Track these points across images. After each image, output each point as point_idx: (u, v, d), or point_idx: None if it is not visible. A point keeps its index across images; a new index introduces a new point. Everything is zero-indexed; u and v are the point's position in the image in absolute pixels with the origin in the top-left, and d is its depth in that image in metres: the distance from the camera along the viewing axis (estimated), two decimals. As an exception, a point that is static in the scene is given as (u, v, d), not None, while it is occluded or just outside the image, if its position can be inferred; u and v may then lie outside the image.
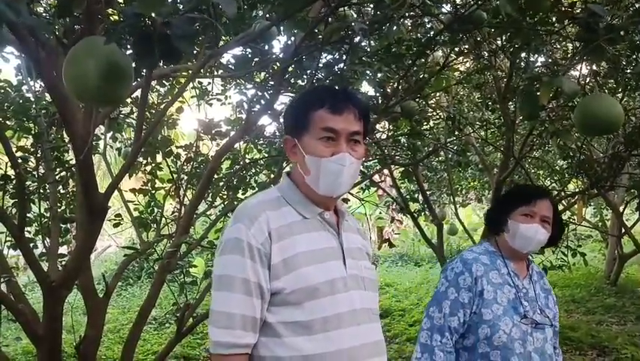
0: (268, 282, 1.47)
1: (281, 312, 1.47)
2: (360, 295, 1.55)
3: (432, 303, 2.14)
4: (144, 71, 2.28)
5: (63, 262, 3.25)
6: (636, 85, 4.21)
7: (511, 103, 4.68)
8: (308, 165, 1.54)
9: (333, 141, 1.53)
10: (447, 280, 2.13)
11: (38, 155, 3.60)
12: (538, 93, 2.39)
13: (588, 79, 3.57)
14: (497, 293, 2.08)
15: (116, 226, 4.20)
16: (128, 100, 4.15)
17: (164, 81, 4.39)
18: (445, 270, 2.20)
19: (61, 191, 3.86)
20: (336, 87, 2.38)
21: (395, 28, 3.33)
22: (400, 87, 3.68)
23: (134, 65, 1.56)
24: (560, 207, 5.92)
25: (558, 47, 4.69)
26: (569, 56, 4.31)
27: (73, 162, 2.76)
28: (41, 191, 3.60)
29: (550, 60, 4.31)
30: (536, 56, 4.34)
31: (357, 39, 3.01)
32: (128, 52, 2.13)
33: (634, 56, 3.88)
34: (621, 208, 7.76)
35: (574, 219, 6.22)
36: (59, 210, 3.68)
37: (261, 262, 1.47)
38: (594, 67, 4.19)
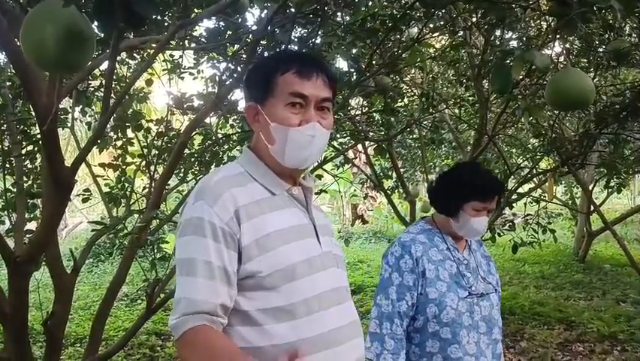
0: (235, 265, 1.35)
1: (256, 298, 1.35)
2: (335, 274, 1.49)
3: (378, 291, 2.10)
4: (111, 41, 2.21)
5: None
6: (608, 64, 4.24)
7: (485, 80, 4.69)
8: (273, 133, 1.42)
9: (301, 108, 1.42)
10: (389, 265, 2.10)
11: (3, 128, 3.50)
12: (510, 68, 2.38)
13: (562, 57, 3.60)
14: (439, 270, 2.07)
15: (84, 201, 4.12)
16: (97, 72, 4.05)
17: (134, 54, 4.29)
18: (385, 255, 2.16)
19: (29, 165, 3.76)
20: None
21: (370, 2, 3.29)
22: (373, 62, 3.65)
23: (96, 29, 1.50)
24: (532, 185, 6.02)
25: (532, 24, 4.70)
26: (542, 33, 4.32)
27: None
28: (7, 165, 3.50)
29: (524, 37, 4.33)
30: (510, 33, 4.35)
31: (329, 11, 2.96)
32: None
33: (606, 35, 3.91)
34: (591, 186, 7.90)
35: (545, 197, 6.30)
36: (26, 184, 3.59)
37: (225, 243, 1.34)
38: (567, 45, 4.23)
